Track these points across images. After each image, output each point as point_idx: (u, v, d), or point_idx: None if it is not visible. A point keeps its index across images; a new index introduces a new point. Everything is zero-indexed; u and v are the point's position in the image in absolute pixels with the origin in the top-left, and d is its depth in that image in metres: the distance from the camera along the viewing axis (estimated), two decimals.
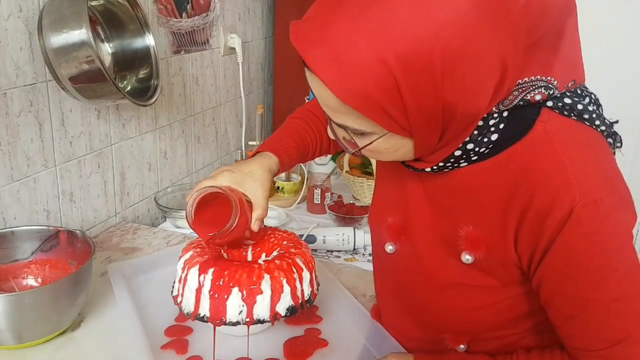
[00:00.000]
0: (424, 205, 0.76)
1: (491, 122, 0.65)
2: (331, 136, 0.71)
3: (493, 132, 0.65)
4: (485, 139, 0.66)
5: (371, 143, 0.65)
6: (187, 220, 0.84)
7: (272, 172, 0.90)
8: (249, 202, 0.85)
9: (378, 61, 0.55)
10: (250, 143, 1.78)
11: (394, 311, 0.89)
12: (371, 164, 1.58)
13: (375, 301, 1.07)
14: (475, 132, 0.65)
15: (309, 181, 1.61)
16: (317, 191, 1.57)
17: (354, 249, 1.35)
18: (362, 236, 1.35)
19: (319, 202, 1.57)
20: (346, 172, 1.65)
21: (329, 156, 1.80)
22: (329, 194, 1.58)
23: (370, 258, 1.32)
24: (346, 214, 1.47)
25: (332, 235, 1.34)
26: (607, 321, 0.64)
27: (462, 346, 0.78)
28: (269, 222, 1.47)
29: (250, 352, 0.89)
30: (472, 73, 0.57)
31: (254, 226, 0.86)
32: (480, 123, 0.65)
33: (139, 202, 1.49)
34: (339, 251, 1.36)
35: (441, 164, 0.68)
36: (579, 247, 0.62)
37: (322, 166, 1.80)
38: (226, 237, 0.83)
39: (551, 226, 0.62)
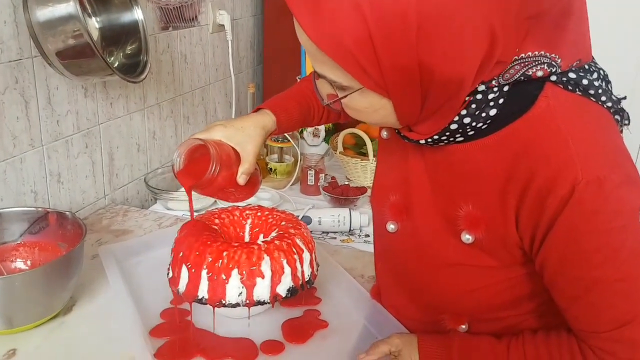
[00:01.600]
0: (425, 183, 0.75)
1: (490, 97, 0.64)
2: (317, 93, 0.71)
3: (492, 107, 0.64)
4: (484, 114, 0.64)
5: (346, 96, 0.64)
6: (173, 171, 0.85)
7: (265, 130, 0.90)
8: (238, 156, 0.85)
9: (353, 8, 0.55)
10: None
11: (393, 291, 0.89)
12: (366, 145, 1.57)
13: (374, 282, 1.07)
14: (473, 105, 0.64)
15: (302, 162, 1.60)
16: (311, 172, 1.55)
17: (350, 230, 1.35)
18: (358, 217, 1.34)
19: (313, 183, 1.56)
20: (340, 153, 1.64)
21: (322, 137, 1.79)
22: (323, 175, 1.57)
23: (367, 239, 1.32)
24: (341, 195, 1.46)
25: (328, 216, 1.34)
26: (612, 302, 0.64)
27: (463, 326, 0.78)
28: (262, 204, 1.46)
29: (249, 333, 0.89)
30: (451, 36, 0.56)
31: (239, 179, 0.85)
32: (479, 97, 0.64)
33: (129, 184, 1.46)
34: (334, 232, 1.35)
35: (436, 137, 0.67)
36: (581, 226, 0.61)
37: (314, 147, 1.79)
38: (209, 187, 0.83)
39: (553, 205, 0.61)
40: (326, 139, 1.81)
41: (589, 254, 0.63)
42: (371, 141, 1.56)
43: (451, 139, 0.67)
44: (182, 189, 1.48)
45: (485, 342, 0.74)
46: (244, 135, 0.87)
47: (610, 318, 0.64)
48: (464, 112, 0.64)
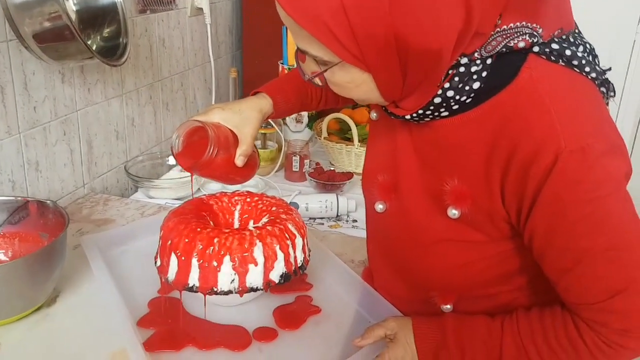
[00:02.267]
0: (413, 160, 0.75)
1: (473, 69, 0.64)
2: (299, 69, 0.71)
3: (475, 80, 0.64)
4: (467, 87, 0.64)
5: (326, 70, 0.65)
6: (171, 152, 0.85)
7: (262, 113, 0.91)
8: (236, 139, 0.86)
9: None
10: None
11: (384, 272, 0.89)
12: (350, 130, 1.57)
13: (364, 266, 1.06)
14: (456, 79, 0.64)
15: (287, 148, 1.58)
16: (296, 158, 1.54)
17: (337, 215, 1.34)
18: (345, 202, 1.34)
19: (298, 169, 1.55)
20: (324, 138, 1.63)
21: (305, 122, 1.77)
22: (308, 161, 1.56)
23: (355, 224, 1.31)
24: (327, 180, 1.45)
25: (315, 202, 1.33)
26: (602, 272, 0.63)
27: (448, 306, 0.78)
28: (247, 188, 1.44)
29: (241, 321, 0.88)
30: (425, 5, 0.57)
31: (237, 161, 0.86)
32: (462, 70, 0.64)
33: (108, 172, 1.43)
34: (322, 218, 1.34)
35: (420, 111, 0.67)
36: (566, 196, 0.61)
37: (298, 133, 1.77)
38: (207, 169, 0.84)
39: (536, 175, 0.61)
40: (309, 125, 1.79)
41: (575, 224, 0.63)
42: (356, 126, 1.56)
43: (436, 114, 0.68)
44: (165, 176, 1.47)
45: (479, 320, 0.75)
46: (242, 117, 0.88)
47: (600, 289, 0.64)
48: (447, 85, 0.65)
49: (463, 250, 0.73)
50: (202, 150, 0.81)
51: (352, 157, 1.58)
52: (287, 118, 1.80)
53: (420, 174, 0.75)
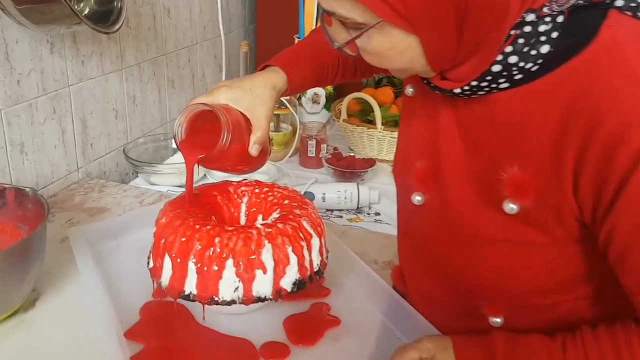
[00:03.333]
0: (459, 143, 0.65)
1: (542, 29, 0.54)
2: (326, 36, 0.61)
3: (544, 43, 0.54)
4: (534, 52, 0.54)
5: (361, 34, 0.55)
6: (175, 141, 0.75)
7: (277, 90, 0.79)
8: (248, 123, 0.75)
9: None
10: None
11: (419, 274, 0.78)
12: (373, 111, 1.43)
13: (389, 268, 0.94)
14: (521, 41, 0.54)
15: (302, 131, 1.45)
16: (312, 142, 1.41)
17: (358, 207, 1.21)
18: (367, 193, 1.21)
19: (314, 154, 1.42)
20: (344, 120, 1.49)
21: (322, 103, 1.64)
22: (325, 145, 1.43)
23: (378, 218, 1.18)
24: (347, 167, 1.32)
25: (333, 192, 1.20)
26: None
27: (497, 319, 0.67)
28: (258, 178, 1.31)
29: (246, 332, 0.75)
30: None
31: (252, 150, 0.75)
32: (528, 29, 0.54)
33: (105, 155, 1.31)
34: (340, 210, 1.21)
35: (474, 83, 0.57)
36: None
37: (314, 115, 1.64)
38: (218, 161, 0.74)
39: (623, 160, 0.51)
40: (327, 106, 1.66)
41: None
42: (379, 107, 1.42)
43: (493, 86, 0.58)
44: (168, 161, 1.35)
45: (535, 341, 0.62)
46: (253, 97, 0.75)
47: None
48: (509, 49, 0.55)
49: (520, 252, 0.62)
50: (210, 138, 0.71)
51: (374, 142, 1.45)
52: (302, 98, 1.67)
53: (468, 160, 0.64)
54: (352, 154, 1.41)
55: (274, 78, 0.79)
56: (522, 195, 0.58)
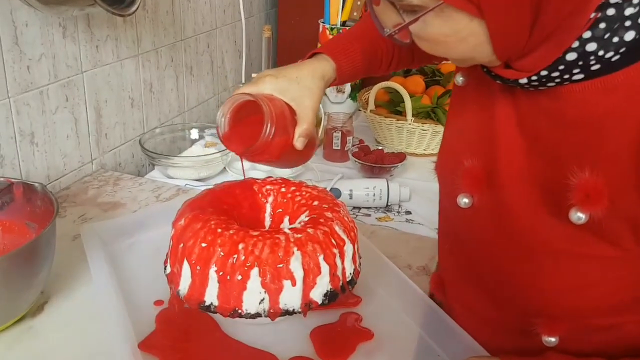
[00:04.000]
0: (518, 141, 0.58)
1: (628, 12, 0.48)
2: (375, 21, 0.56)
3: (628, 29, 0.48)
4: (616, 39, 0.48)
5: (418, 19, 0.50)
6: (217, 134, 0.72)
7: (325, 80, 0.75)
8: (293, 114, 0.72)
9: None
10: (252, 75, 1.53)
11: (463, 283, 0.72)
12: (403, 102, 1.35)
13: (425, 274, 0.87)
14: (602, 25, 0.48)
15: (327, 123, 1.38)
16: (337, 135, 1.34)
17: (387, 205, 1.14)
18: (397, 190, 1.14)
19: (339, 147, 1.35)
20: (371, 111, 1.42)
21: (347, 93, 1.57)
22: (351, 137, 1.36)
23: (409, 217, 1.11)
24: (375, 162, 1.25)
25: (361, 189, 1.13)
26: None
27: (552, 339, 0.61)
28: (279, 172, 1.25)
29: (270, 343, 0.69)
30: None
31: (297, 143, 0.72)
32: (611, 12, 0.48)
33: (121, 146, 1.26)
34: (368, 208, 1.14)
35: (544, 73, 0.51)
36: None
37: (339, 105, 1.57)
38: (261, 154, 0.71)
39: None
40: (352, 96, 1.58)
41: None
42: (410, 97, 1.34)
43: (565, 77, 0.52)
44: (186, 153, 1.29)
45: None
46: (300, 87, 0.72)
47: None
48: (587, 34, 0.49)
49: (584, 267, 0.57)
50: (254, 131, 0.68)
51: (403, 135, 1.37)
52: None
53: (528, 160, 0.57)
54: (380, 148, 1.33)
55: (323, 67, 0.75)
56: (593, 203, 0.52)
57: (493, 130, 0.60)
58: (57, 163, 1.08)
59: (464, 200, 0.64)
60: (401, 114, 1.38)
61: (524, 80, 0.53)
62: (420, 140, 1.37)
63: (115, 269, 0.82)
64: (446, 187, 0.70)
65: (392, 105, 1.43)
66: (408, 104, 1.33)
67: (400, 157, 1.27)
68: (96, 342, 0.70)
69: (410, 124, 1.34)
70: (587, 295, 0.58)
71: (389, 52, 0.82)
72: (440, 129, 1.34)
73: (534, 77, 0.52)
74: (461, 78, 0.66)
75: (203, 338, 0.70)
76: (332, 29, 1.55)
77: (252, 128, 0.69)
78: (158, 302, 0.76)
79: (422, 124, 1.34)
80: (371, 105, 1.42)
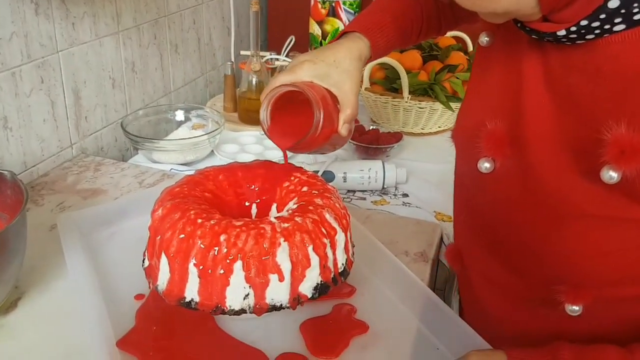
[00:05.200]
0: (546, 98, 0.56)
1: None
2: None
3: None
4: None
5: None
6: (262, 128, 0.71)
7: (362, 60, 0.74)
8: (335, 100, 0.70)
9: None
10: (242, 53, 1.48)
11: (482, 253, 0.70)
12: (399, 78, 1.30)
13: (422, 260, 0.84)
14: None
15: None
16: None
17: (383, 188, 1.10)
18: (394, 172, 1.09)
19: None
20: (365, 89, 1.37)
21: None
22: None
23: (406, 200, 1.07)
24: (370, 143, 1.20)
25: (355, 171, 1.09)
26: None
27: (576, 307, 0.59)
28: (268, 156, 1.21)
29: (258, 338, 0.66)
30: None
31: (342, 130, 0.71)
32: None
33: (102, 129, 1.21)
34: (363, 191, 1.10)
35: (584, 23, 0.49)
36: None
37: None
38: (309, 146, 0.70)
39: None
40: None
41: None
42: (407, 74, 1.29)
43: (606, 27, 0.49)
44: (172, 135, 1.25)
45: (609, 354, 0.54)
46: (340, 71, 0.71)
47: None
48: None
49: (615, 231, 0.55)
50: (299, 122, 0.68)
51: (399, 113, 1.33)
52: None
53: (557, 118, 0.56)
54: (375, 127, 1.29)
55: (358, 47, 0.74)
56: (627, 159, 0.50)
57: (519, 89, 0.58)
58: (33, 148, 1.04)
59: (485, 165, 0.63)
60: (397, 91, 1.33)
61: (562, 33, 0.51)
62: (418, 118, 1.33)
63: (93, 261, 0.78)
64: (464, 153, 0.68)
65: (388, 83, 1.38)
66: (404, 81, 1.28)
67: (397, 137, 1.23)
68: (73, 340, 0.67)
69: (406, 101, 1.30)
70: (615, 262, 0.57)
71: (419, 20, 0.80)
72: (438, 106, 1.30)
73: (573, 29, 0.50)
74: (486, 38, 0.64)
75: (186, 335, 0.67)
76: (323, 2, 1.49)
77: (296, 119, 0.68)
78: (139, 297, 0.73)
79: (420, 101, 1.29)
80: (366, 83, 1.37)
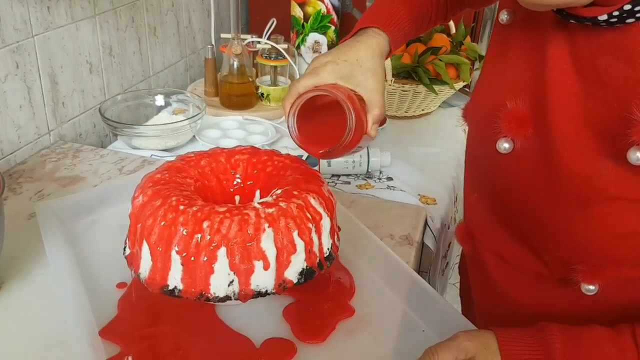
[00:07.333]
0: (572, 79, 0.56)
1: None
2: None
3: None
4: None
5: None
6: (291, 136, 0.68)
7: (383, 56, 0.72)
8: (362, 101, 0.67)
9: None
10: (222, 36, 1.45)
11: (497, 233, 0.70)
12: None
13: (408, 243, 0.84)
14: None
15: None
16: None
17: (368, 172, 1.10)
18: (378, 156, 1.09)
19: None
20: None
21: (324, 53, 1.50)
22: None
23: (391, 184, 1.07)
24: None
25: None
26: None
27: (592, 287, 0.60)
28: (253, 140, 1.20)
29: (244, 324, 0.66)
30: None
31: (372, 132, 0.68)
32: None
33: (80, 115, 1.19)
34: (348, 175, 1.10)
35: (627, 7, 0.49)
36: None
37: None
38: (343, 150, 0.68)
39: None
40: None
41: None
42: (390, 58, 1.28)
43: None
44: (152, 121, 1.23)
45: (599, 335, 0.55)
46: (363, 70, 0.68)
47: None
48: None
49: (638, 213, 0.54)
50: (330, 129, 0.65)
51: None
52: (301, 47, 1.53)
53: (583, 98, 0.55)
54: None
55: (379, 43, 0.71)
56: None
57: (543, 69, 0.57)
58: (10, 136, 1.02)
59: (504, 145, 0.62)
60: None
61: (603, 17, 0.50)
62: (401, 102, 1.32)
63: (74, 250, 0.77)
64: (482, 132, 0.67)
65: None
66: (388, 64, 1.27)
67: (381, 120, 1.22)
68: (54, 330, 0.66)
69: (390, 84, 1.29)
70: (635, 243, 0.56)
71: (429, 8, 0.79)
72: (421, 89, 1.29)
73: (616, 13, 0.49)
74: (506, 16, 0.63)
75: (170, 323, 0.66)
76: None
77: (324, 125, 0.66)
78: (121, 285, 0.72)
79: (403, 84, 1.29)
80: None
